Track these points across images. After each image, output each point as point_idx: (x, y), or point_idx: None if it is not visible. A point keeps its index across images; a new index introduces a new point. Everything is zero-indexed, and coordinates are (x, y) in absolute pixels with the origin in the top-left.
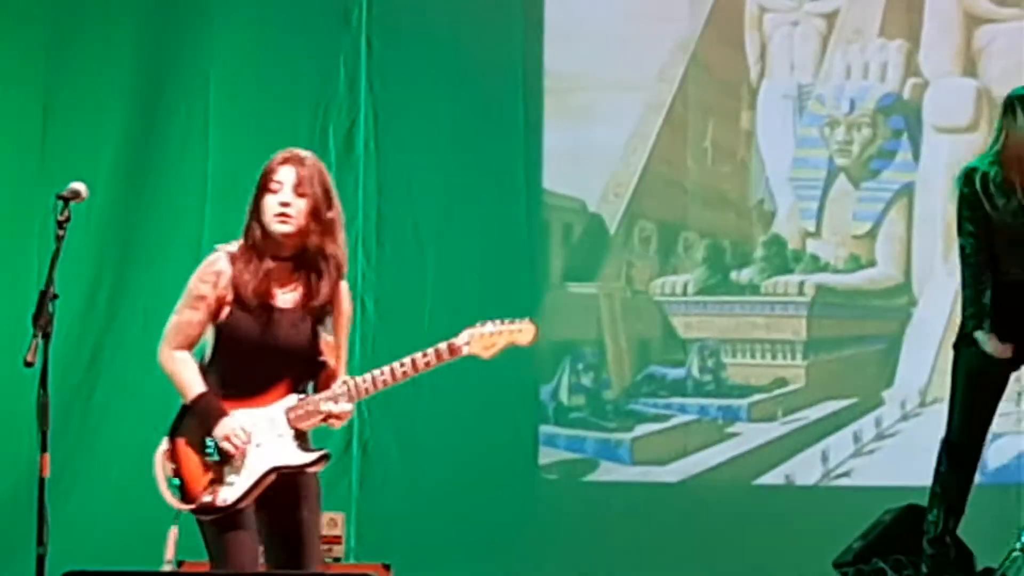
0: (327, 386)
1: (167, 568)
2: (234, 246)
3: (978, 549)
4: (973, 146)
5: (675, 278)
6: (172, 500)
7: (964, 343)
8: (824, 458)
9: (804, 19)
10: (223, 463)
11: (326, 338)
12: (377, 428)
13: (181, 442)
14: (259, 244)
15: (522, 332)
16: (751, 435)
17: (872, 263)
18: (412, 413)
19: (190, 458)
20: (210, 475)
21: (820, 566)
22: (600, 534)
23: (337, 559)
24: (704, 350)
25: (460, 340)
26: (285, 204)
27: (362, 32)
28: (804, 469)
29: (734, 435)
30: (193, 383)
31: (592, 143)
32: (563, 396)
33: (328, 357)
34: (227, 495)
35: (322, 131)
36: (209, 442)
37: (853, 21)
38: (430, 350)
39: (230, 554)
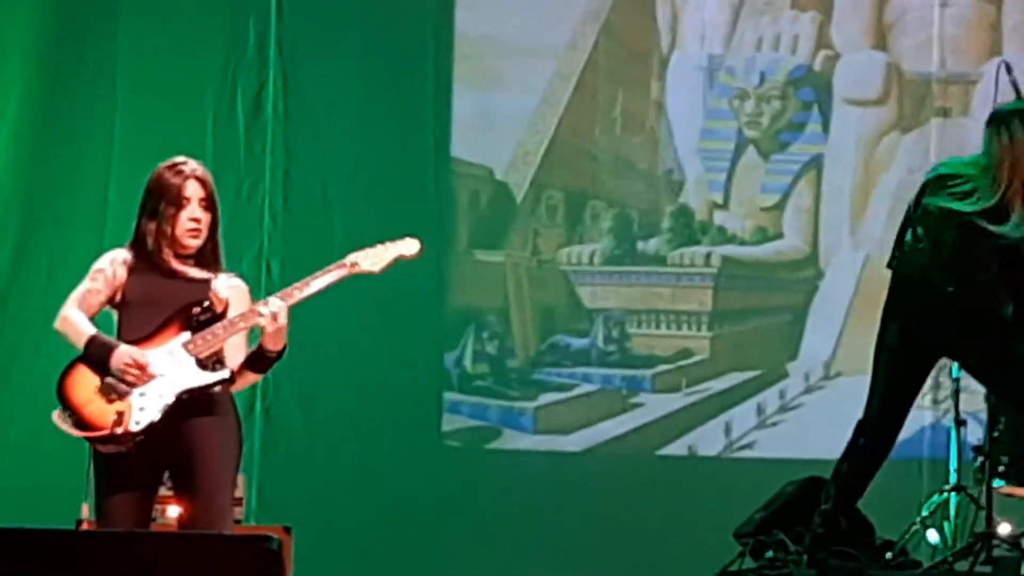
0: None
1: None
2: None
3: (880, 522)
4: (882, 119)
5: (581, 247)
6: (80, 433)
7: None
8: (727, 430)
9: None
10: (127, 394)
11: (218, 294)
12: (280, 393)
13: (80, 384)
14: (158, 242)
15: (407, 244)
16: (655, 406)
17: (779, 235)
18: (315, 378)
19: (93, 398)
20: (116, 406)
21: (721, 536)
22: (502, 502)
23: (238, 521)
24: (609, 320)
25: (348, 258)
26: (196, 220)
27: None
28: (707, 440)
29: (638, 405)
30: (84, 330)
31: (501, 110)
32: (467, 364)
33: (218, 308)
34: (139, 418)
35: (231, 93)
36: (109, 379)
37: None
38: (325, 269)
39: (112, 511)
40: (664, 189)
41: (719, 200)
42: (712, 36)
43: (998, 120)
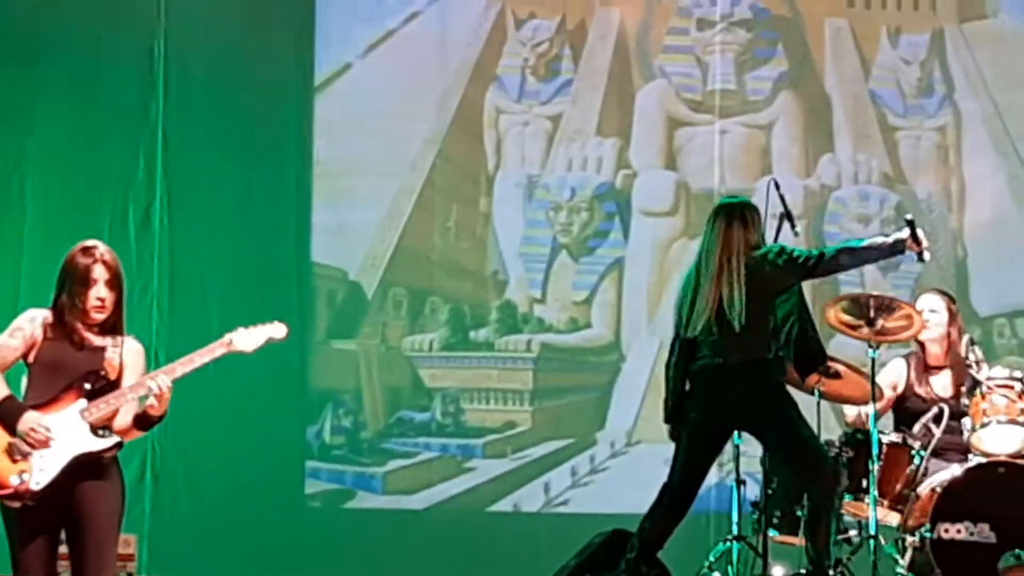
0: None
1: None
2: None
3: (674, 567)
4: (673, 227)
5: (423, 336)
6: None
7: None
8: (546, 489)
9: (533, 120)
10: (29, 455)
11: (112, 363)
12: (167, 461)
13: None
14: (70, 315)
15: (275, 327)
16: (485, 469)
17: (588, 325)
18: (197, 448)
19: (0, 456)
20: (20, 466)
21: None
22: (357, 553)
23: (130, 575)
24: (446, 397)
25: (227, 336)
26: (101, 299)
27: (159, 124)
28: (529, 498)
29: (471, 469)
30: None
31: (353, 221)
32: (326, 436)
33: (111, 376)
34: (39, 479)
35: (123, 208)
36: (14, 439)
37: (575, 122)
38: (207, 347)
39: (24, 561)
40: (491, 287)
41: (537, 295)
42: (530, 159)
43: (714, 212)
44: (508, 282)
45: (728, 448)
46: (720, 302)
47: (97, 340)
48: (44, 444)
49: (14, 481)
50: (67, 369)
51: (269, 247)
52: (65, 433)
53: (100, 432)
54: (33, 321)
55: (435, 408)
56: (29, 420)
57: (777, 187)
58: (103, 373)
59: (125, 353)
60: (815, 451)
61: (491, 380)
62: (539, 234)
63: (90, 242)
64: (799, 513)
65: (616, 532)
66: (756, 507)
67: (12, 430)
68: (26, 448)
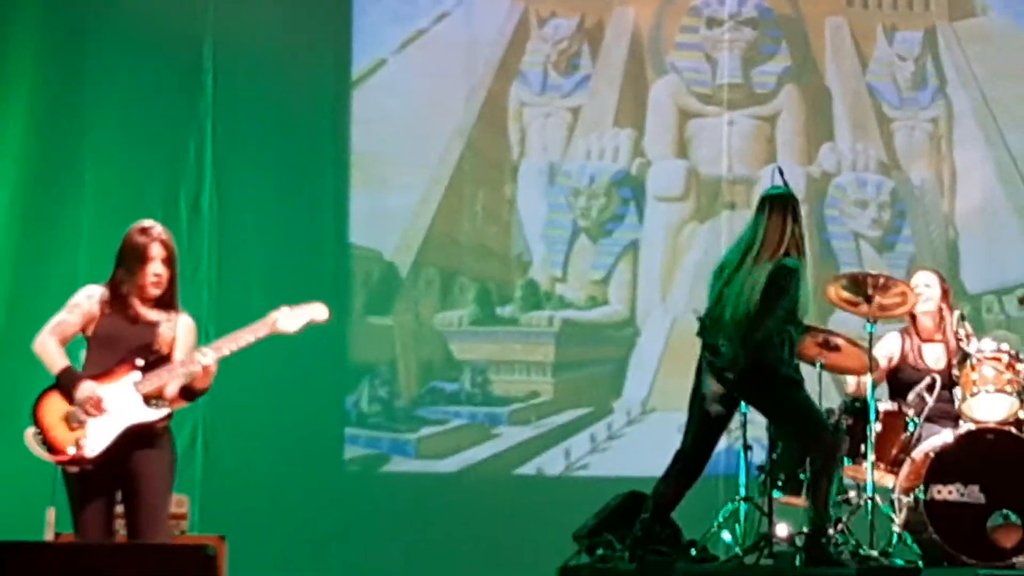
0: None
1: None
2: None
3: (685, 526)
4: (684, 211)
5: (452, 313)
6: (46, 455)
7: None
8: (567, 454)
9: (555, 112)
10: (86, 423)
11: (164, 338)
12: (217, 428)
13: (50, 410)
14: (127, 290)
15: (318, 309)
16: (510, 435)
17: (606, 302)
18: (244, 416)
19: (58, 424)
20: (77, 433)
21: (564, 538)
22: (392, 513)
23: (183, 532)
24: (475, 369)
25: (271, 316)
26: (158, 275)
27: (208, 118)
28: (551, 463)
29: (497, 435)
30: (57, 359)
31: (388, 207)
32: (363, 405)
33: (164, 351)
34: (94, 446)
35: (175, 196)
36: (72, 408)
37: (593, 114)
38: (251, 327)
39: (84, 521)
40: (516, 267)
41: (559, 275)
42: (552, 148)
43: (762, 201)
44: (531, 262)
45: (737, 416)
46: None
47: (152, 315)
48: (99, 414)
49: (71, 449)
50: (122, 343)
51: (310, 230)
52: (120, 403)
53: (153, 403)
54: (91, 298)
55: (464, 379)
56: (86, 390)
57: (781, 173)
58: (156, 347)
59: (178, 328)
60: (815, 420)
61: (516, 353)
62: (560, 218)
63: (147, 222)
64: (802, 476)
65: (632, 494)
66: (762, 471)
67: (70, 399)
68: (83, 417)
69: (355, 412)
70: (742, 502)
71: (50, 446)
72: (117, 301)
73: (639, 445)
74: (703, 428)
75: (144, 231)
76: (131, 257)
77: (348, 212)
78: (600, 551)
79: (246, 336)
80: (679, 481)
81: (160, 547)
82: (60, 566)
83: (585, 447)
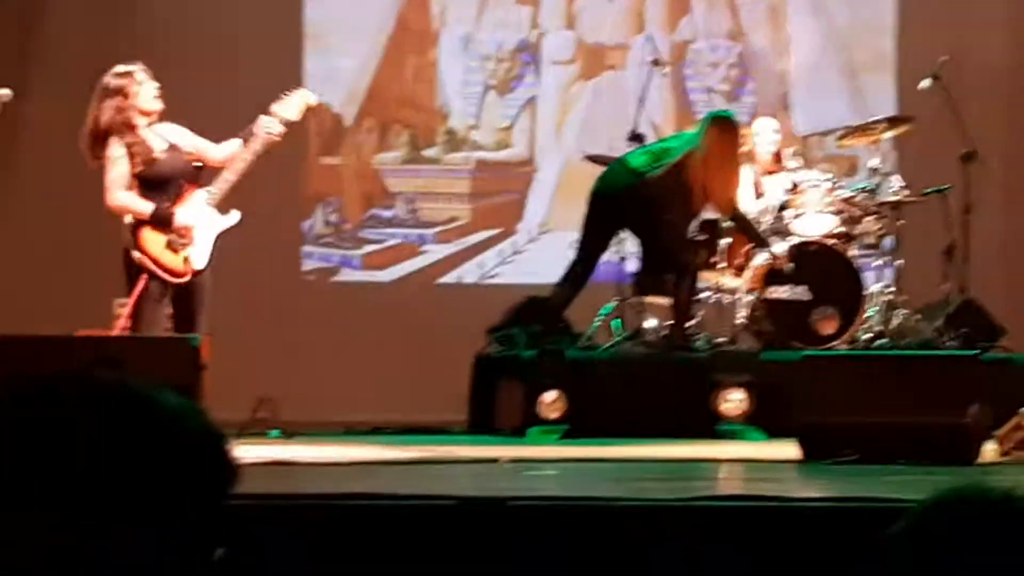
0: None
1: None
2: None
3: (576, 321)
4: (572, 73)
5: (388, 154)
6: (171, 278)
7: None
8: (481, 266)
9: None
10: (186, 246)
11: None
12: None
13: (151, 242)
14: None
15: (305, 94)
16: (435, 252)
17: (510, 145)
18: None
19: (163, 252)
20: (182, 255)
21: (478, 333)
22: (341, 315)
23: None
24: (406, 199)
25: (257, 124)
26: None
27: None
28: (469, 273)
29: (425, 252)
30: (141, 203)
31: (337, 68)
32: (318, 228)
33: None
34: (198, 261)
35: None
36: (170, 235)
37: None
38: (259, 138)
39: (151, 317)
40: (438, 117)
41: (473, 124)
42: (466, 20)
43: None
44: (451, 114)
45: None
46: None
47: (157, 143)
48: (191, 234)
49: (182, 267)
50: (169, 173)
51: (272, 87)
52: (201, 219)
53: (224, 213)
54: (120, 147)
55: (398, 207)
56: (177, 218)
57: (651, 41)
58: (192, 163)
59: (176, 135)
60: (677, 238)
61: (439, 186)
62: (474, 78)
63: (120, 67)
64: (666, 279)
65: (530, 297)
66: (635, 277)
67: (169, 227)
68: (181, 241)
69: (311, 234)
70: (620, 302)
71: (166, 269)
72: (136, 145)
73: (538, 258)
74: (590, 245)
75: (127, 74)
76: (127, 93)
77: (302, 73)
78: (507, 342)
79: (245, 157)
80: (572, 286)
81: (147, 339)
82: (50, 357)
83: (495, 260)
